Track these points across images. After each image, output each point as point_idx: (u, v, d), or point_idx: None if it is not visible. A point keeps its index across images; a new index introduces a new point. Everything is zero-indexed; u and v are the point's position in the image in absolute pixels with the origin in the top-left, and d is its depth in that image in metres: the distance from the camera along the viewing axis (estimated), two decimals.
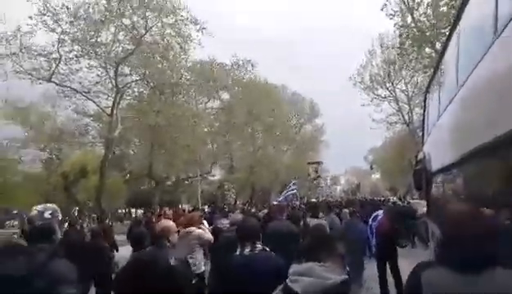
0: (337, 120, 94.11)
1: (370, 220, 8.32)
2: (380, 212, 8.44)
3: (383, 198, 39.41)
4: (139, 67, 20.41)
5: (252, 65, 30.09)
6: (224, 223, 7.46)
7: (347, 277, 2.19)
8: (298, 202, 25.48)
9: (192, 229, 5.59)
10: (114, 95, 20.46)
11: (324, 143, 47.50)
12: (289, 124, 40.34)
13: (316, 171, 27.96)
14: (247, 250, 3.18)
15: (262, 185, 40.36)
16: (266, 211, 13.76)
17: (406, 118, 35.85)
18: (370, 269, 7.62)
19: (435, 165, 6.62)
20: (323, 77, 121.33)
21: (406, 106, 35.86)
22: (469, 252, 1.76)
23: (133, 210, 46.18)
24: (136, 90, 22.55)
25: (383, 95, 35.68)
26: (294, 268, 2.24)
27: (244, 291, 2.93)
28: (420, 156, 7.81)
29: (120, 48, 20.27)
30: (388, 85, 35.21)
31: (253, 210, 18.89)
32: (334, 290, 2.07)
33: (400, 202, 26.77)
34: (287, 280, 2.21)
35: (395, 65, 26.60)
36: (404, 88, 35.55)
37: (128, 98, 22.93)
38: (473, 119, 4.06)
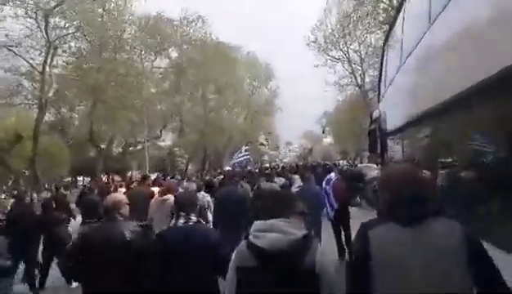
0: (292, 83, 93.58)
1: (324, 183, 8.32)
2: (332, 175, 8.49)
3: (329, 163, 39.97)
4: (73, 18, 18.41)
5: (203, 21, 28.56)
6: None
7: (307, 232, 2.27)
8: (250, 168, 25.22)
9: (168, 196, 5.87)
10: (45, 50, 18.50)
11: (278, 107, 47.10)
12: (242, 86, 39.46)
13: (267, 141, 27.62)
14: (181, 221, 3.18)
15: (215, 150, 39.72)
16: (221, 177, 13.49)
17: (359, 80, 36.29)
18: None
19: (391, 124, 6.35)
20: (280, 39, 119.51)
21: (359, 68, 36.19)
22: (411, 206, 1.87)
23: (80, 178, 43.99)
24: (73, 45, 20.57)
25: (336, 57, 35.70)
26: (258, 225, 2.27)
27: (177, 263, 2.97)
28: (375, 115, 7.54)
29: None
30: (341, 45, 35.14)
31: (207, 177, 18.34)
32: (297, 244, 2.15)
33: (347, 166, 27.55)
34: (250, 237, 2.24)
35: (350, 21, 25.88)
36: (357, 49, 35.57)
37: (65, 55, 20.94)
38: (438, 72, 3.74)
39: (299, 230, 2.24)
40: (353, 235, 7.31)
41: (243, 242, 2.30)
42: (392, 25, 6.78)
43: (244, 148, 25.64)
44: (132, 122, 26.28)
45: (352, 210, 8.51)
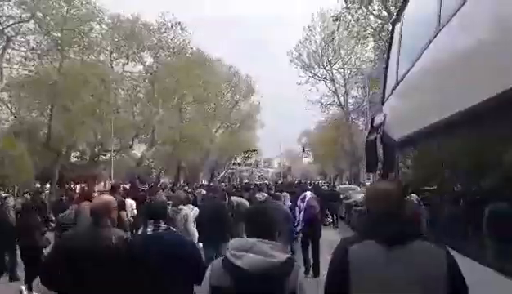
0: (273, 99, 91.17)
1: (299, 200, 8.15)
2: (308, 194, 8.28)
3: (309, 181, 38.91)
4: (28, 6, 15.77)
5: (182, 29, 26.32)
6: None
7: (290, 256, 2.15)
8: (224, 184, 24.46)
9: (181, 207, 6.26)
10: None
11: (259, 123, 44.91)
12: (222, 99, 37.28)
13: (249, 157, 26.32)
14: (149, 229, 2.96)
15: (191, 164, 37.16)
16: (203, 191, 14.18)
17: (342, 100, 34.70)
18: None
19: (405, 130, 4.24)
20: (263, 55, 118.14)
21: (342, 88, 34.63)
22: (394, 226, 1.83)
23: (49, 186, 40.90)
24: (31, 39, 17.91)
25: (319, 75, 34.12)
26: (237, 243, 2.16)
27: (144, 273, 2.74)
28: (378, 120, 5.40)
29: None
30: (325, 64, 33.60)
31: (189, 190, 17.19)
32: (279, 268, 2.04)
33: (326, 186, 27.06)
34: (228, 254, 2.09)
35: (334, 37, 24.08)
36: (341, 67, 34.08)
37: (23, 50, 18.28)
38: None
39: (282, 253, 2.08)
40: (322, 259, 7.43)
41: (219, 260, 2.15)
42: None
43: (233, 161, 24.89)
44: (98, 130, 23.61)
45: (329, 233, 8.76)
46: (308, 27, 33.52)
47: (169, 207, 6.10)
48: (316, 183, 33.62)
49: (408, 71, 4.25)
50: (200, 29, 63.43)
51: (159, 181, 33.10)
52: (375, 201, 1.96)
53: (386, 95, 5.35)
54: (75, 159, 38.34)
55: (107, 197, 3.47)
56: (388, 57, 5.42)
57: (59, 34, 17.48)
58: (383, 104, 5.57)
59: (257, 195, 9.68)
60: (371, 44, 20.46)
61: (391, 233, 1.81)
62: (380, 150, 5.56)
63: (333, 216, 16.18)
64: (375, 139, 5.72)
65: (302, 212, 7.83)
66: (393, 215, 1.86)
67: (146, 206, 3.43)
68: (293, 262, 2.10)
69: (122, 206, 7.63)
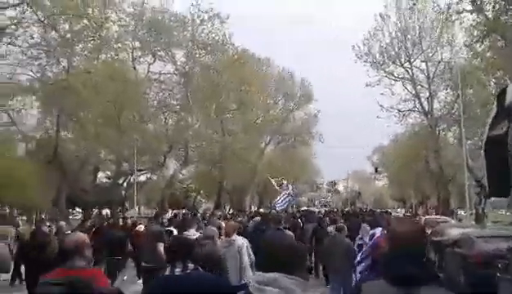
0: (336, 108, 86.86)
1: (367, 238, 7.97)
2: (378, 231, 7.80)
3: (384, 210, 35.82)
4: None
5: (221, 22, 24.81)
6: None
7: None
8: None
9: (234, 237, 6.33)
10: None
11: (318, 136, 42.25)
12: (272, 107, 35.49)
13: (281, 186, 25.42)
14: (177, 270, 3.46)
15: (235, 185, 35.38)
16: (257, 218, 14.11)
17: (425, 105, 31.15)
18: None
19: None
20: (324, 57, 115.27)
21: (426, 90, 31.15)
22: (407, 268, 1.95)
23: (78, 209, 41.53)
24: (35, 32, 17.12)
25: (395, 74, 30.98)
26: (260, 277, 2.35)
27: None
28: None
29: None
30: (403, 60, 30.49)
31: (239, 218, 17.47)
32: None
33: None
34: (251, 288, 2.32)
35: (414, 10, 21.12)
36: (423, 61, 30.82)
37: (25, 45, 17.52)
38: None
39: (302, 289, 2.23)
40: None
41: (241, 293, 2.50)
42: None
43: (290, 187, 25.45)
44: (121, 145, 22.55)
45: None
46: (380, 16, 31.05)
47: (221, 238, 6.43)
48: (392, 212, 30.66)
49: None
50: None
51: (194, 207, 31.63)
52: (392, 241, 2.16)
53: None
54: (105, 180, 38.38)
55: (80, 234, 3.64)
56: None
57: (66, 26, 16.56)
58: None
59: (329, 228, 11.02)
60: (467, 22, 17.33)
61: (401, 274, 1.98)
62: None
63: None
64: (507, 132, 3.25)
65: (366, 252, 7.58)
66: (408, 257, 2.01)
67: (173, 243, 4.28)
68: None
69: (160, 237, 7.49)
